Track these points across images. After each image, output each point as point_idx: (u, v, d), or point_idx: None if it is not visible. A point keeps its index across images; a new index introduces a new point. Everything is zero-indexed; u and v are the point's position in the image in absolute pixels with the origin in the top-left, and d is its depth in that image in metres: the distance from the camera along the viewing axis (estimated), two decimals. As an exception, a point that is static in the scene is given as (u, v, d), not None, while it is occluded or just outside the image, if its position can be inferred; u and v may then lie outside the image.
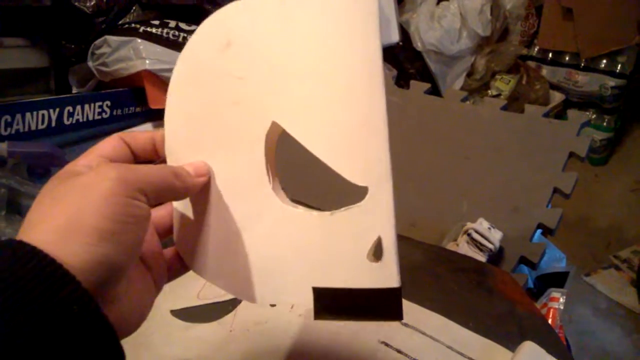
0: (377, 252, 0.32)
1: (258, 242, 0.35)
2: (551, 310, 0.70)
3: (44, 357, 0.23)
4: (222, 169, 0.35)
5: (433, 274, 0.61)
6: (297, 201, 0.35)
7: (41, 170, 0.90)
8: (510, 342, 0.50)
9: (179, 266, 0.38)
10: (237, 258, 0.35)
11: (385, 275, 0.31)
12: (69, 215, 0.26)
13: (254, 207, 0.34)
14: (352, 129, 0.32)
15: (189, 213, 0.36)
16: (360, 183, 0.32)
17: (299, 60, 0.33)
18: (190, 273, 0.60)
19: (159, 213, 0.37)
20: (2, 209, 0.83)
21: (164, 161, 0.37)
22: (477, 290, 0.59)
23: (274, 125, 0.34)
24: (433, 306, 0.54)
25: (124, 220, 0.28)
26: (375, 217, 0.32)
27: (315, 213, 0.33)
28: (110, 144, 0.34)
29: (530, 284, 0.80)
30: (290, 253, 0.34)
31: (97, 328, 0.25)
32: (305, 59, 0.33)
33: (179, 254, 0.38)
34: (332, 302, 0.33)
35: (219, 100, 0.34)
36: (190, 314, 0.55)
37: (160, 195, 0.32)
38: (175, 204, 0.37)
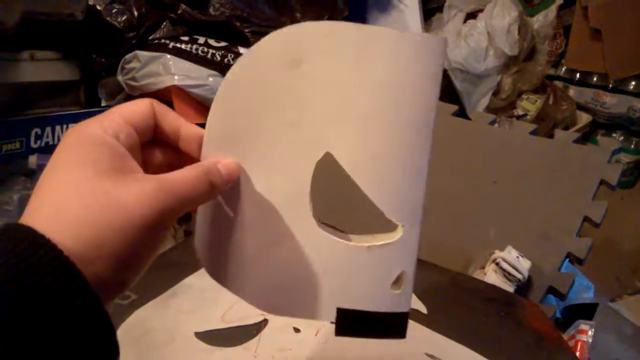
0: (398, 283, 0.35)
1: (286, 258, 0.35)
2: (579, 342, 0.68)
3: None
4: (262, 182, 0.35)
5: (460, 303, 0.60)
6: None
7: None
8: (539, 378, 0.49)
9: None
10: (262, 270, 0.36)
11: (402, 302, 0.36)
12: (94, 226, 0.25)
13: (288, 225, 0.35)
14: (399, 170, 0.34)
15: (215, 218, 0.36)
16: (396, 220, 0.34)
17: (365, 97, 0.33)
18: (214, 296, 0.61)
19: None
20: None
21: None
22: (505, 322, 0.58)
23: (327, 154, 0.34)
24: (460, 337, 0.54)
25: (152, 247, 0.27)
26: (405, 255, 0.35)
27: (351, 244, 0.35)
28: (140, 108, 0.32)
29: (558, 314, 0.78)
30: (319, 274, 0.35)
31: (96, 321, 0.24)
32: (371, 98, 0.33)
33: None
34: (352, 322, 0.36)
35: (275, 116, 0.33)
36: (215, 337, 0.55)
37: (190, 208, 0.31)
38: (200, 207, 0.35)
